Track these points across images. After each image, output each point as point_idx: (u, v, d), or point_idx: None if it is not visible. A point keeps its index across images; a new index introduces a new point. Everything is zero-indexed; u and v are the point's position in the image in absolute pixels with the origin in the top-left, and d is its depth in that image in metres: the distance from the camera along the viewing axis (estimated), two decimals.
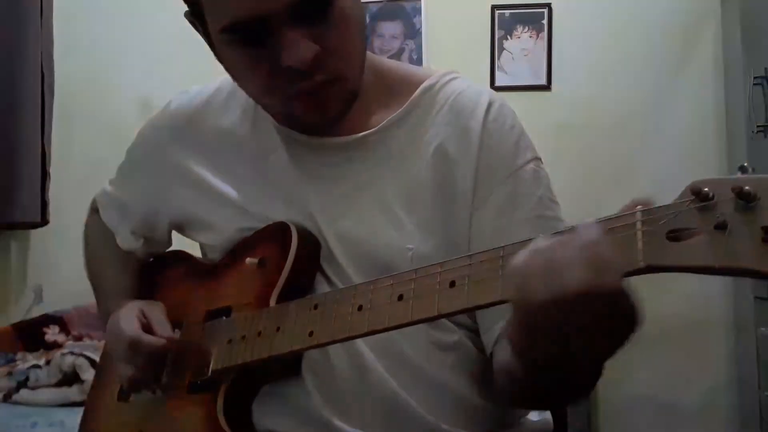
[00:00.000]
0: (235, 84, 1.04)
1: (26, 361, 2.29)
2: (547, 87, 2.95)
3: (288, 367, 0.91)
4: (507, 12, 2.98)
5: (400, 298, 0.74)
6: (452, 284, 0.71)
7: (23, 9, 2.62)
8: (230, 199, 0.99)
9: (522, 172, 0.93)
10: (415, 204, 0.92)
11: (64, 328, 2.52)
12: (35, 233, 2.79)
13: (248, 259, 0.95)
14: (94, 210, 1.19)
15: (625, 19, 2.92)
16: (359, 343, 0.88)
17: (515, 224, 0.91)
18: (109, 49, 2.93)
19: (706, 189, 0.55)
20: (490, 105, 0.95)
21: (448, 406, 0.90)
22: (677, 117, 2.89)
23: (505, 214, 0.91)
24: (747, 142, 2.59)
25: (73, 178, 2.70)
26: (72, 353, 2.18)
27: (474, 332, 0.94)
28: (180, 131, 1.05)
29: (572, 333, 0.60)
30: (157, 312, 1.02)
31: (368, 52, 0.95)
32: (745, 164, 0.56)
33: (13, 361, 2.34)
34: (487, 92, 0.98)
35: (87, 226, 1.21)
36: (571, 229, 0.63)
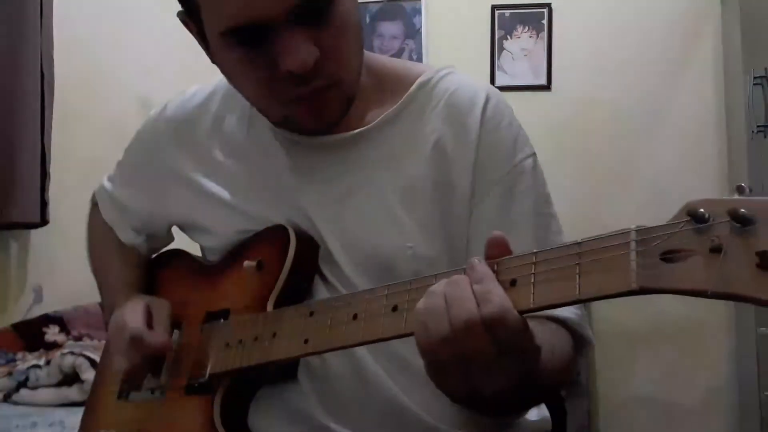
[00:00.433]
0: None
1: (26, 361, 2.29)
2: (547, 87, 2.95)
3: (285, 370, 0.91)
4: (507, 12, 2.98)
5: (395, 308, 0.74)
6: None
7: (23, 9, 2.61)
8: (227, 201, 0.99)
9: (520, 169, 0.93)
10: (414, 202, 0.92)
11: (64, 328, 2.52)
12: (35, 233, 2.79)
13: (246, 262, 0.95)
14: (95, 205, 1.19)
15: (625, 19, 2.92)
16: None
17: (514, 220, 0.91)
18: (108, 48, 2.93)
19: (701, 210, 0.54)
20: (487, 101, 0.95)
21: (446, 407, 0.90)
22: (677, 117, 2.89)
23: (504, 211, 0.91)
24: (747, 142, 2.59)
25: (73, 178, 2.70)
26: (72, 353, 2.17)
27: None
28: (176, 134, 1.05)
29: (471, 367, 0.64)
30: (161, 311, 1.01)
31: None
32: (743, 184, 0.54)
33: (13, 361, 2.34)
34: (484, 87, 0.97)
35: (89, 220, 1.21)
36: (461, 270, 0.68)
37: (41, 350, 2.41)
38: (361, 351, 0.89)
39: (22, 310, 2.74)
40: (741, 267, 0.52)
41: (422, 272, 0.87)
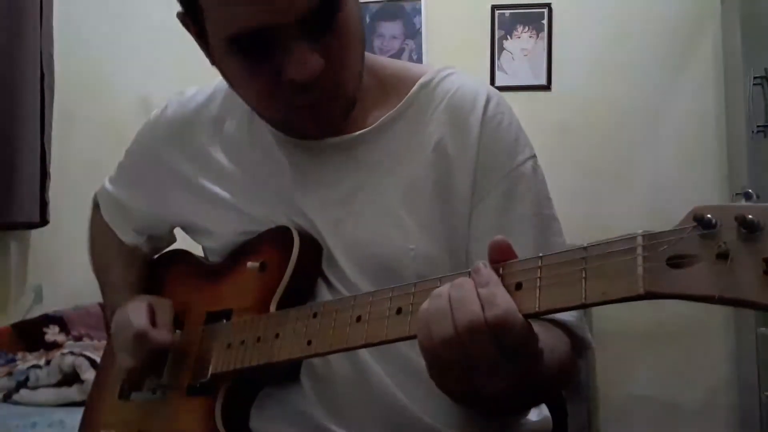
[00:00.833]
0: None
1: (26, 361, 2.29)
2: (547, 87, 2.96)
3: (287, 372, 0.91)
4: (507, 12, 2.98)
5: (399, 311, 0.74)
6: None
7: (23, 9, 2.61)
8: (228, 203, 0.99)
9: (521, 170, 0.93)
10: (416, 203, 0.92)
11: (64, 328, 2.51)
12: (35, 233, 2.79)
13: (249, 264, 0.95)
14: (97, 206, 1.19)
15: (625, 19, 2.92)
16: None
17: (514, 222, 0.91)
18: (108, 48, 2.93)
19: (709, 216, 0.54)
20: (488, 101, 0.94)
21: (447, 408, 0.90)
22: (677, 117, 2.89)
23: (505, 212, 0.91)
24: (747, 142, 2.59)
25: (73, 178, 2.70)
26: (72, 353, 2.17)
27: None
28: (177, 136, 1.05)
29: (474, 369, 0.65)
30: (164, 310, 1.01)
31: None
32: (750, 190, 0.54)
33: (13, 361, 2.34)
34: (485, 88, 0.97)
35: (91, 221, 1.21)
36: (466, 273, 0.68)
37: (41, 350, 2.40)
38: (363, 352, 0.89)
39: (22, 310, 2.74)
40: (748, 273, 0.51)
41: (424, 273, 0.87)
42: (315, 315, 0.83)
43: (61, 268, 2.72)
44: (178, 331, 1.01)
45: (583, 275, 0.61)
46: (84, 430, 1.10)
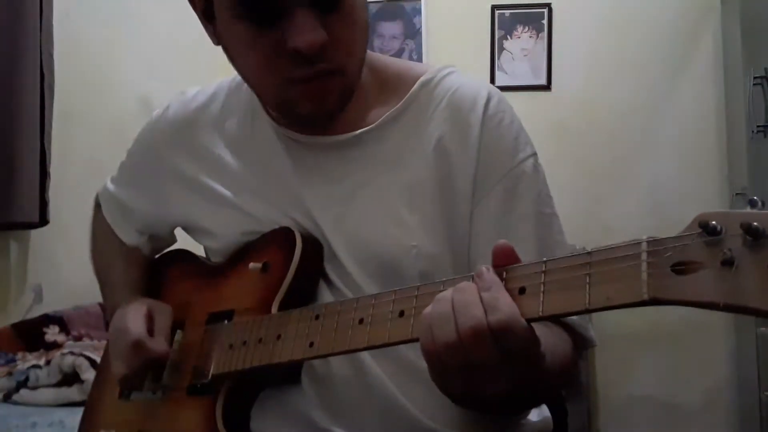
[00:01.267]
0: (234, 86, 1.03)
1: (26, 361, 2.28)
2: (547, 87, 2.96)
3: (288, 373, 0.91)
4: (507, 12, 2.99)
5: (402, 314, 0.73)
6: None
7: (23, 9, 2.61)
8: (230, 202, 0.99)
9: (522, 168, 0.93)
10: (417, 201, 0.92)
11: (64, 328, 2.51)
12: (35, 233, 2.78)
13: (251, 264, 0.94)
14: (98, 206, 1.19)
15: (625, 19, 2.92)
16: None
17: (515, 220, 0.91)
18: (108, 49, 2.93)
19: (714, 222, 0.54)
20: (488, 100, 0.94)
21: (447, 409, 0.89)
22: (677, 117, 2.89)
23: (506, 210, 0.91)
24: (747, 142, 2.60)
25: (73, 178, 2.70)
26: (72, 353, 2.17)
27: None
28: (178, 136, 1.05)
29: (475, 373, 0.65)
30: (162, 318, 1.01)
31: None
32: (755, 197, 0.54)
33: (13, 361, 2.33)
34: (486, 86, 0.97)
35: (93, 221, 1.21)
36: (469, 277, 0.68)
37: (41, 350, 2.40)
38: (364, 354, 0.89)
39: (22, 310, 2.73)
40: (753, 280, 0.51)
41: (427, 271, 0.87)
42: (317, 317, 0.83)
43: (61, 268, 2.72)
44: (179, 331, 1.01)
45: (587, 280, 0.61)
46: (84, 430, 1.10)
